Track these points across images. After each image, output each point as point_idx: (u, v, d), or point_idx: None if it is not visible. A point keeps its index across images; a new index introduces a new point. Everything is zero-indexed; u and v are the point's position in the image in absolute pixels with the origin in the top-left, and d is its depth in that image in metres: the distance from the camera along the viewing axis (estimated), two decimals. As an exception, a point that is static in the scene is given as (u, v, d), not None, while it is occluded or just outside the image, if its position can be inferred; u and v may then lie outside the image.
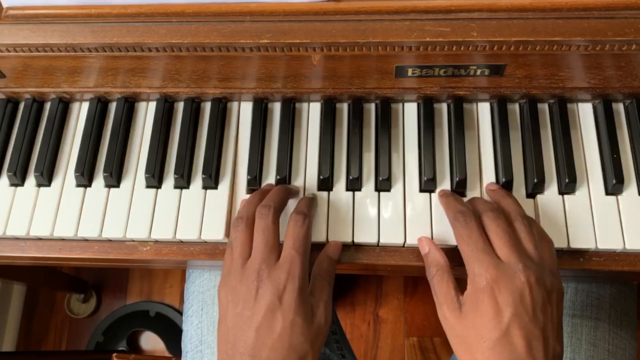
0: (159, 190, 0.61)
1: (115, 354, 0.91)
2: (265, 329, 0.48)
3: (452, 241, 0.55)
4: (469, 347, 0.48)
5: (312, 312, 0.51)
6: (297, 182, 0.61)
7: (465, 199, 0.57)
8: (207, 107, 0.65)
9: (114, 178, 0.61)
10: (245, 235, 0.53)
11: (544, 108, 0.62)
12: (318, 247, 0.57)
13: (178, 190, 0.61)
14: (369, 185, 0.60)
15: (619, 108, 0.62)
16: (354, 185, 0.59)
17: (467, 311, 0.48)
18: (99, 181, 0.62)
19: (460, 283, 0.51)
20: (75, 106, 0.66)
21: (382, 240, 0.57)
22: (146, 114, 0.65)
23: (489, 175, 0.59)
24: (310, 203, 0.57)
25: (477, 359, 0.47)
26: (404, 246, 0.57)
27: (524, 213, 0.53)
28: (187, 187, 0.61)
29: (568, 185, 0.57)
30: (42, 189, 0.62)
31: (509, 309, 0.46)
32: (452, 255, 0.54)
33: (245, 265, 0.51)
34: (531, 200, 0.58)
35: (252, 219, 0.53)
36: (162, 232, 0.59)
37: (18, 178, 0.62)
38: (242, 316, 0.49)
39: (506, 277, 0.47)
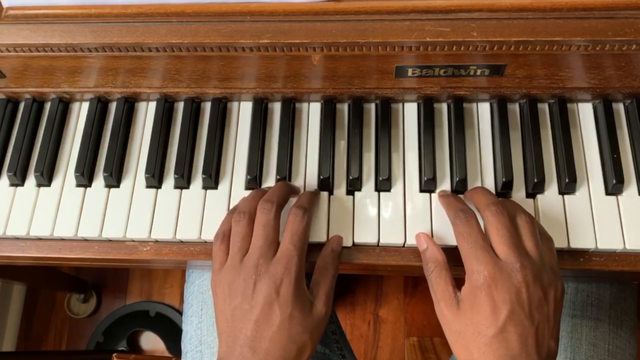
0: (159, 190, 0.61)
1: (115, 354, 0.91)
2: (264, 322, 0.49)
3: (452, 241, 0.55)
4: (465, 343, 0.48)
5: (313, 303, 0.52)
6: (297, 182, 0.61)
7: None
8: (207, 107, 0.65)
9: (114, 178, 0.61)
10: (247, 230, 0.53)
11: (544, 108, 0.62)
12: (318, 247, 0.57)
13: (178, 190, 0.61)
14: (369, 185, 0.60)
15: (619, 108, 0.62)
16: (354, 185, 0.59)
17: (465, 308, 0.49)
18: (99, 181, 0.62)
19: (459, 283, 0.51)
20: (75, 106, 0.66)
21: (382, 240, 0.57)
22: (146, 114, 0.65)
23: (489, 175, 0.59)
24: (312, 198, 0.57)
25: (474, 354, 0.48)
26: (404, 246, 0.57)
27: (525, 210, 0.53)
28: (187, 187, 0.61)
29: (568, 185, 0.57)
30: (42, 189, 0.62)
31: (506, 306, 0.47)
32: (452, 255, 0.54)
33: (242, 259, 0.52)
34: (531, 200, 0.58)
35: (254, 214, 0.54)
36: (162, 232, 0.59)
37: (18, 178, 0.62)
38: (242, 309, 0.50)
39: (504, 275, 0.47)
